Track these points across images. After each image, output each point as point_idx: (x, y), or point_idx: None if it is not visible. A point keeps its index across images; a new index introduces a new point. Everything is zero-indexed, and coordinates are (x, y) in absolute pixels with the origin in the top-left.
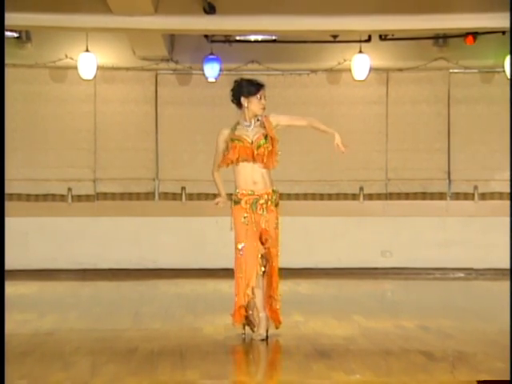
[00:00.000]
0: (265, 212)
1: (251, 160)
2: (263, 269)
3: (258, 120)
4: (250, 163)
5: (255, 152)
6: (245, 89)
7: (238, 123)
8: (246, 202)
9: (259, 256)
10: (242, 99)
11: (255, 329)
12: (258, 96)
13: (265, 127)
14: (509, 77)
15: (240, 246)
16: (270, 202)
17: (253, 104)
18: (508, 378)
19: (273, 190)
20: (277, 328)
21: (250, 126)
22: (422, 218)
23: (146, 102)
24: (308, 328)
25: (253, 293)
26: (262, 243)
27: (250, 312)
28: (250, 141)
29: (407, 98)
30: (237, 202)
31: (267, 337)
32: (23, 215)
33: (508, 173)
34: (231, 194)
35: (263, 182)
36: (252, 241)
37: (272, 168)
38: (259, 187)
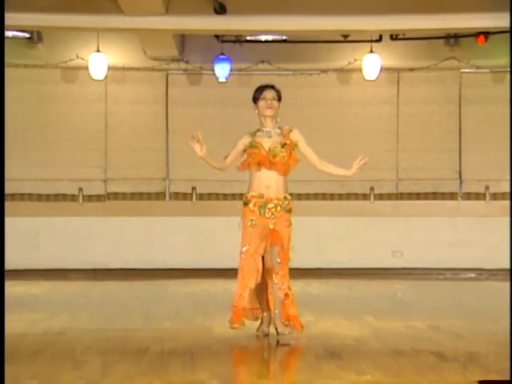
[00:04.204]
0: (273, 216)
1: (268, 167)
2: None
3: (278, 128)
4: (267, 170)
5: (271, 160)
6: (254, 96)
7: (258, 130)
8: (254, 205)
9: (260, 258)
10: (255, 106)
11: (261, 326)
12: (264, 97)
13: (284, 136)
14: None
15: (244, 249)
16: (279, 208)
17: (260, 107)
18: None
19: (284, 197)
20: (299, 332)
21: (270, 132)
22: (433, 218)
23: (157, 102)
24: (319, 328)
25: (254, 294)
26: (271, 244)
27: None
28: (267, 148)
29: (418, 98)
30: (246, 204)
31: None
32: (34, 215)
33: None
34: (241, 194)
35: (276, 187)
36: (255, 243)
37: (286, 175)
38: (271, 192)
